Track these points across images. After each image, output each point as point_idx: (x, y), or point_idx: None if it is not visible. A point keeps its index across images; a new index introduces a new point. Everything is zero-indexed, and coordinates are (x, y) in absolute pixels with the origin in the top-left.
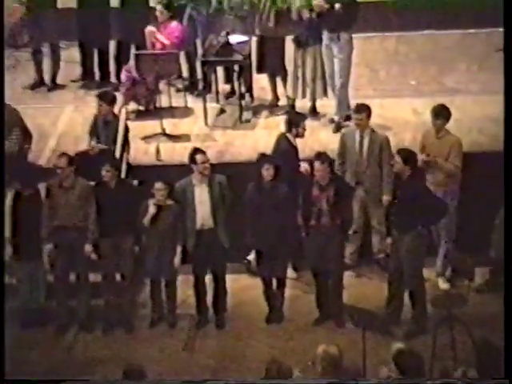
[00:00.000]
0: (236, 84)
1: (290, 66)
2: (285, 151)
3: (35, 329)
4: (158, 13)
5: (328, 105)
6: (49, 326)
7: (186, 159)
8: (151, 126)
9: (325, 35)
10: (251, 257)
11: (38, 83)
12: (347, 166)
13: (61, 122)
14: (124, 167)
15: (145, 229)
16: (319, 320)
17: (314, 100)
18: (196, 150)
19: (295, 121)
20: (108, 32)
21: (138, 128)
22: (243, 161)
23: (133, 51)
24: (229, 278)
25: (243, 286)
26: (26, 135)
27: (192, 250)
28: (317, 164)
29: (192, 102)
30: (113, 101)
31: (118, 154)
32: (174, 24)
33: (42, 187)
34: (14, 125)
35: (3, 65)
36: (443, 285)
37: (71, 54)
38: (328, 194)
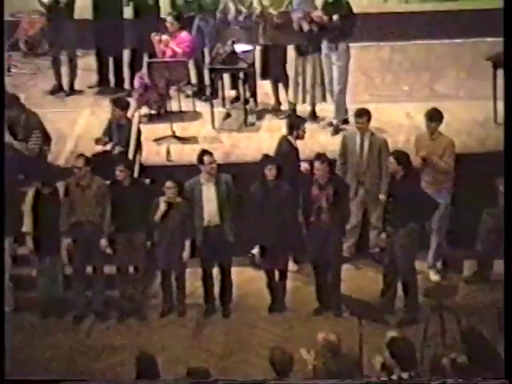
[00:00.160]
0: (241, 90)
1: (291, 73)
2: (286, 152)
3: (54, 317)
4: (168, 24)
5: (327, 109)
6: (67, 315)
7: (194, 160)
8: (162, 128)
9: (324, 45)
10: (255, 251)
11: (57, 89)
12: (348, 166)
13: (78, 125)
14: (137, 167)
15: (156, 225)
16: (319, 310)
17: (313, 105)
18: (204, 152)
19: (295, 124)
20: (122, 41)
21: (150, 131)
22: (248, 161)
23: (145, 59)
24: (234, 270)
25: (248, 278)
26: (46, 137)
27: (200, 244)
28: (317, 164)
29: (200, 106)
30: (126, 106)
31: (131, 155)
32: (184, 34)
33: (60, 186)
34: (35, 128)
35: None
36: (434, 277)
37: (88, 62)
38: (327, 193)
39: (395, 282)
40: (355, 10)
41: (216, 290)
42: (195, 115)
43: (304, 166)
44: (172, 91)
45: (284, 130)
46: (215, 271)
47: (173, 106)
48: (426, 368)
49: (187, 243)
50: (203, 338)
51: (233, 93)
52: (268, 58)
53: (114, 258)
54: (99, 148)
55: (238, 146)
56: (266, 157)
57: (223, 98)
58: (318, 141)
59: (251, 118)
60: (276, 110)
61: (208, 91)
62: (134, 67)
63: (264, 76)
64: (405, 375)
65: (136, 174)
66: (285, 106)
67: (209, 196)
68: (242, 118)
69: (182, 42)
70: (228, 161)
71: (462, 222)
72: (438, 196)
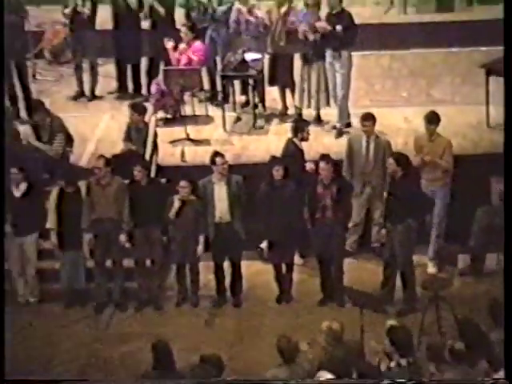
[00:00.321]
0: (251, 95)
1: (297, 80)
2: (292, 154)
3: (77, 308)
4: (182, 34)
5: (331, 113)
6: (88, 306)
7: (207, 161)
8: (177, 132)
9: (328, 53)
10: (263, 245)
11: (79, 95)
12: (355, 167)
13: (99, 128)
14: (153, 168)
15: (171, 221)
16: (323, 300)
17: (318, 109)
18: (216, 153)
19: (300, 127)
20: (140, 50)
21: (166, 134)
22: (257, 162)
23: (162, 67)
24: (244, 264)
25: (257, 271)
26: (69, 140)
27: (212, 240)
28: (322, 164)
29: (212, 111)
30: (143, 111)
31: (148, 157)
32: (198, 43)
33: (82, 185)
34: (58, 131)
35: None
36: (431, 269)
37: (108, 70)
38: (331, 191)
39: (394, 275)
40: (357, 20)
41: (227, 282)
42: (208, 119)
43: (310, 166)
44: (186, 97)
45: (290, 133)
46: (226, 265)
47: (187, 110)
48: (423, 354)
49: (201, 239)
50: (215, 326)
51: (243, 98)
52: (276, 65)
53: (132, 252)
54: (118, 149)
55: (248, 148)
56: (273, 158)
57: (234, 103)
58: (322, 143)
59: (260, 122)
60: (283, 115)
61: (220, 97)
62: (151, 74)
63: (272, 82)
64: (403, 361)
65: (153, 174)
66: (291, 111)
67: (220, 195)
68: (251, 122)
69: (196, 51)
70: (238, 162)
71: (457, 219)
72: (440, 193)
